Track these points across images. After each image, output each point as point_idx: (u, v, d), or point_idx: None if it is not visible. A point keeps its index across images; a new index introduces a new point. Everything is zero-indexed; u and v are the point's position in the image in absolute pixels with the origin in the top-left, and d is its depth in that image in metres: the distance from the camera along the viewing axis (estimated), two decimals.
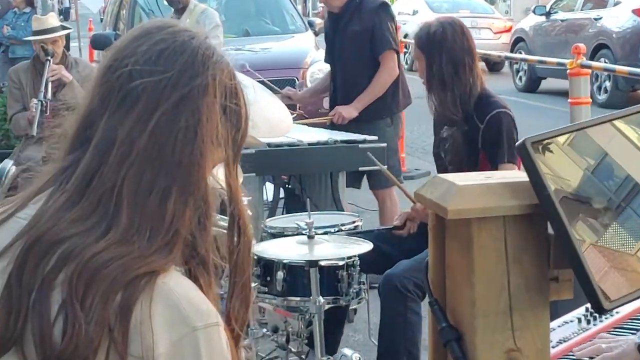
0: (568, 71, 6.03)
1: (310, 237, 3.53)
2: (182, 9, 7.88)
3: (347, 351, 4.90)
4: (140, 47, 1.56)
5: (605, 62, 14.57)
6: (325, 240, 3.59)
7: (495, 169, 4.01)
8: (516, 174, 1.78)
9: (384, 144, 5.46)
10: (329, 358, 3.69)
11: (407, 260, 3.93)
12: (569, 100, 6.12)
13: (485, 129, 4.04)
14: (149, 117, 1.52)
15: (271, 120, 4.58)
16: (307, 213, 4.81)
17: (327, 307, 3.79)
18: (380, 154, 5.42)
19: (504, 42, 20.53)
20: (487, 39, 20.35)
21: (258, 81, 6.24)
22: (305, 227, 3.55)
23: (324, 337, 3.82)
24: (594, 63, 6.29)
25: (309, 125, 5.98)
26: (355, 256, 3.68)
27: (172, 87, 1.53)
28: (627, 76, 14.07)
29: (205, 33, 1.64)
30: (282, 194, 5.95)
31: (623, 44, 14.68)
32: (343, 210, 5.45)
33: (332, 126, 6.00)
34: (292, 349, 4.03)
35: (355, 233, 3.99)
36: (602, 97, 14.07)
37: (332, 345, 4.35)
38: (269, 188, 5.99)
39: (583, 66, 5.83)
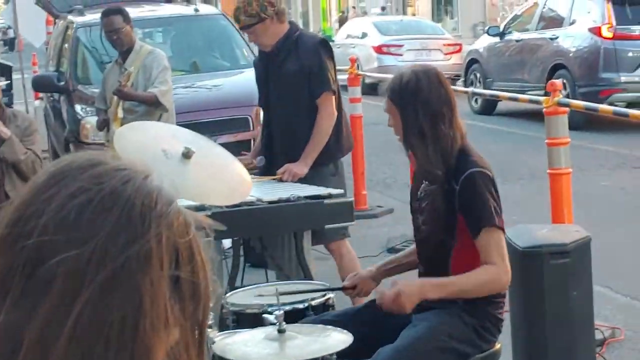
0: (544, 110, 5.62)
1: (280, 331, 3.08)
2: (128, 51, 7.40)
3: None
4: (50, 203, 1.09)
5: (564, 82, 14.32)
6: (297, 333, 3.13)
7: (475, 235, 3.59)
8: None
9: (351, 199, 5.02)
10: None
11: (385, 350, 3.50)
12: (546, 141, 5.72)
13: (461, 189, 3.62)
14: (67, 310, 1.05)
15: (230, 184, 4.15)
16: (270, 284, 4.42)
17: None
18: (348, 209, 5.01)
19: (454, 63, 20.65)
20: (438, 60, 20.33)
21: None
22: (275, 320, 3.09)
23: None
24: (573, 101, 5.89)
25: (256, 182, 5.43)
26: (333, 354, 3.23)
27: (98, 263, 1.07)
28: (586, 94, 13.84)
29: (146, 171, 1.17)
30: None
31: (581, 64, 14.44)
32: (310, 274, 5.00)
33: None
34: None
35: (330, 321, 3.52)
36: None
37: None
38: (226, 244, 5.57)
39: (561, 104, 5.43)
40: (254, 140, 9.14)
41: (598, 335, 5.35)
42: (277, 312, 3.11)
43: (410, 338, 3.57)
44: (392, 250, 7.96)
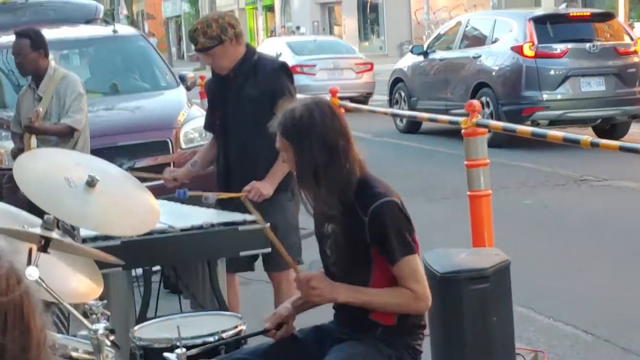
0: (463, 131, 5.55)
1: None
2: (41, 75, 7.18)
3: None
4: None
5: (487, 100, 14.38)
6: None
7: (392, 264, 3.49)
8: None
9: (267, 224, 4.87)
10: None
11: None
12: (465, 162, 5.64)
13: (370, 223, 3.49)
14: None
15: (136, 214, 3.99)
16: (180, 316, 4.27)
17: None
18: (263, 236, 4.86)
19: (366, 81, 21.67)
20: (350, 79, 21.21)
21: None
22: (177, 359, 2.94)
23: None
24: (491, 122, 5.84)
25: (219, 201, 5.22)
26: None
27: None
28: (510, 112, 13.89)
29: None
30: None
31: (504, 82, 14.51)
32: (224, 304, 4.85)
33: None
34: None
35: (239, 358, 3.37)
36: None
37: None
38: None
39: (479, 125, 5.36)
40: (173, 164, 8.98)
41: None
42: (178, 351, 2.95)
43: None
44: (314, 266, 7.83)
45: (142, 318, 4.68)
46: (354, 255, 3.54)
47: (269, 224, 4.88)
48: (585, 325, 6.29)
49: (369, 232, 3.49)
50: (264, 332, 3.82)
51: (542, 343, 5.97)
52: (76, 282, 3.48)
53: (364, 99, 21.02)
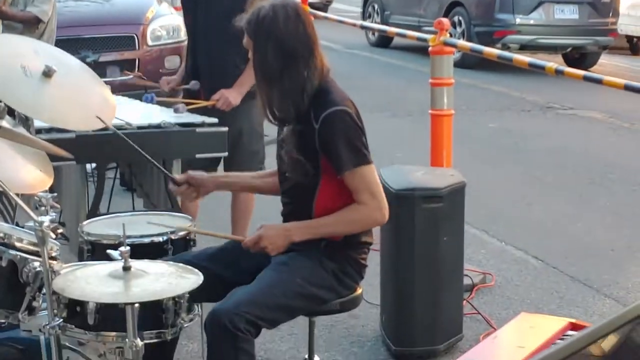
0: (430, 49, 5.49)
1: (126, 268, 2.90)
2: None
3: None
4: None
5: (459, 20, 14.28)
6: (144, 271, 2.95)
7: (342, 175, 3.44)
8: None
9: (225, 128, 4.83)
10: None
11: (239, 291, 3.34)
12: (430, 80, 5.60)
13: (320, 130, 3.44)
14: None
15: (91, 107, 3.92)
16: (128, 214, 4.23)
17: (150, 341, 3.17)
18: (221, 139, 4.83)
19: None
20: None
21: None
22: (120, 257, 2.91)
23: None
24: (459, 42, 5.77)
25: (192, 109, 5.14)
26: (182, 295, 3.07)
27: None
28: (481, 34, 13.82)
29: None
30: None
31: (478, 3, 14.41)
32: (177, 205, 4.82)
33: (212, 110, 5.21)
34: None
35: (187, 261, 3.34)
36: (454, 56, 13.73)
37: None
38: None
39: (447, 44, 5.31)
40: (139, 60, 8.88)
41: (468, 281, 5.32)
42: (122, 249, 2.92)
43: (266, 282, 3.41)
44: None
45: (93, 213, 4.64)
46: (303, 162, 3.48)
47: (226, 129, 4.86)
48: (536, 251, 6.34)
49: (318, 140, 3.43)
50: (170, 179, 3.83)
51: (491, 266, 6.02)
52: (25, 173, 3.42)
53: (323, 6, 20.69)
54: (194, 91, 5.33)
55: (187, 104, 5.15)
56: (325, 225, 3.50)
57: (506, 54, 5.34)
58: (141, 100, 5.58)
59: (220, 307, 3.24)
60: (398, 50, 16.33)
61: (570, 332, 2.95)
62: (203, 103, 5.19)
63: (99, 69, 8.52)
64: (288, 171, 3.55)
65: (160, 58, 8.90)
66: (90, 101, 3.91)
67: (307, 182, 3.51)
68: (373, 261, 3.75)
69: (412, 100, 11.71)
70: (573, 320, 3.06)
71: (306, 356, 3.80)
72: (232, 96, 5.19)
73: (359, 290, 3.66)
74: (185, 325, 3.32)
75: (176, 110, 4.97)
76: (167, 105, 5.30)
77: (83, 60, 8.41)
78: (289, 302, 3.40)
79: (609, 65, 15.44)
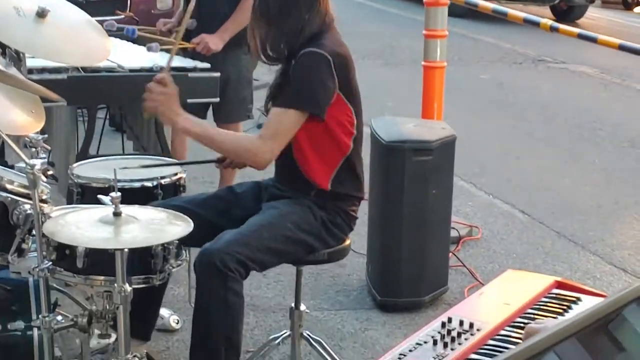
0: (425, 0, 5.47)
1: (116, 214, 2.90)
2: None
3: (164, 312, 4.36)
4: None
5: None
6: (135, 217, 2.95)
7: (277, 105, 3.43)
8: None
9: (217, 74, 4.81)
10: (135, 356, 3.08)
11: (229, 232, 3.33)
12: (424, 32, 5.58)
13: (293, 67, 3.42)
14: None
15: (86, 46, 3.89)
16: (120, 157, 4.23)
17: (138, 286, 3.19)
18: (212, 84, 4.81)
19: None
20: None
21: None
22: (111, 203, 2.91)
23: (136, 321, 3.22)
24: None
25: (168, 51, 5.11)
26: (171, 241, 3.09)
27: None
28: None
29: None
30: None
31: None
32: (167, 149, 4.82)
33: (192, 53, 5.21)
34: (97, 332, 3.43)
35: (177, 207, 3.34)
36: None
37: (145, 330, 3.77)
38: None
39: None
40: (130, 0, 8.80)
41: (454, 234, 5.34)
42: (113, 194, 2.92)
43: (256, 224, 3.42)
44: (261, 126, 7.81)
45: (83, 154, 4.64)
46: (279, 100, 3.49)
47: (218, 74, 4.84)
48: (523, 205, 6.37)
49: (291, 76, 3.42)
50: (219, 160, 3.81)
51: (478, 219, 6.05)
52: (16, 114, 3.41)
53: None
54: (190, 30, 5.32)
55: (164, 43, 5.11)
56: (214, 134, 3.53)
57: (501, 8, 5.32)
58: (123, 33, 5.54)
59: (210, 247, 3.25)
60: None
61: (555, 290, 2.98)
62: (183, 44, 5.17)
63: (91, 8, 8.49)
64: (267, 104, 3.57)
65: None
66: (85, 40, 3.89)
67: None
68: (361, 210, 3.75)
69: (405, 49, 11.68)
70: (559, 279, 3.08)
71: (292, 304, 3.83)
72: (212, 42, 5.19)
73: (347, 242, 3.68)
74: (173, 270, 3.35)
75: (149, 49, 4.93)
76: (149, 40, 5.27)
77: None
78: (278, 246, 3.41)
79: (601, 20, 15.39)
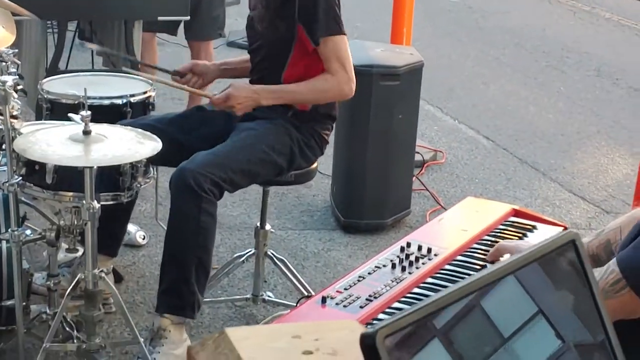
0: None
1: (86, 132, 2.94)
2: None
3: (131, 227, 4.43)
4: None
5: None
6: (104, 136, 2.99)
7: (316, 43, 3.48)
8: None
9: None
10: (101, 270, 3.15)
11: (204, 153, 3.38)
12: None
13: None
14: None
15: None
16: (93, 73, 4.25)
17: (106, 203, 3.25)
18: (183, 2, 4.81)
19: None
20: None
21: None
22: (81, 121, 2.95)
23: (103, 237, 3.29)
24: None
25: None
26: (140, 160, 3.13)
27: None
28: None
29: None
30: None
31: None
32: (137, 66, 4.83)
33: None
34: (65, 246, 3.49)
35: (148, 125, 3.38)
36: None
37: (112, 246, 3.83)
38: None
39: None
40: None
41: (419, 158, 5.43)
42: (83, 113, 2.96)
43: (231, 145, 3.46)
44: (232, 44, 7.82)
45: (53, 69, 4.64)
46: (281, 29, 3.51)
47: None
48: (488, 131, 6.46)
49: (297, 7, 3.45)
50: (172, 73, 3.82)
51: (443, 143, 6.13)
52: None
53: None
54: None
55: None
56: (293, 92, 3.54)
57: None
58: None
59: (185, 167, 3.29)
60: None
61: (512, 218, 3.07)
62: None
63: None
64: (262, 36, 3.58)
65: None
66: None
67: (278, 52, 3.54)
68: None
69: None
70: (516, 207, 3.17)
71: (258, 223, 3.90)
72: None
73: (315, 165, 3.74)
74: (141, 187, 3.40)
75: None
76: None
77: None
78: (252, 167, 3.47)
79: None
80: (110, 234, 3.68)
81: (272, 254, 3.93)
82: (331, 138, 4.75)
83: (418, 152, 5.33)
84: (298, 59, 3.54)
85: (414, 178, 5.11)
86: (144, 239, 4.43)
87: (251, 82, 3.71)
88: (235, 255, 4.03)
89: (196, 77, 3.84)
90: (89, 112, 2.97)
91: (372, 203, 4.74)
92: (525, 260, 1.11)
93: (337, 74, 3.50)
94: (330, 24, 3.48)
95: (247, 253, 3.95)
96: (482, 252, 2.73)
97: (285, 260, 3.96)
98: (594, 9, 10.82)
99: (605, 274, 2.03)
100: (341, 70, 3.50)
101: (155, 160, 3.33)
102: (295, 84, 3.54)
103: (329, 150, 4.86)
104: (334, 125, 3.82)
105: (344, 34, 3.53)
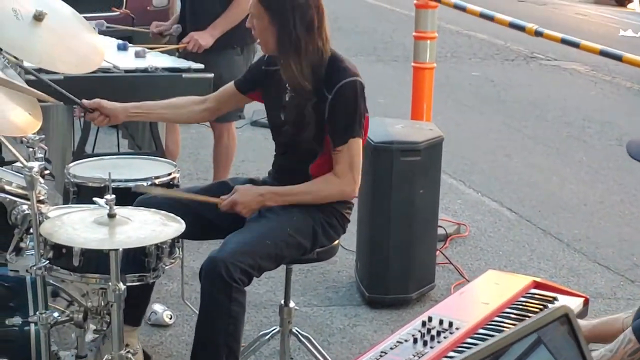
0: (415, 2, 5.58)
1: (111, 215, 3.01)
2: None
3: (157, 307, 4.48)
4: None
5: None
6: (129, 219, 3.06)
7: (338, 144, 3.54)
8: None
9: (211, 75, 4.92)
10: (128, 351, 3.20)
11: (234, 239, 3.44)
12: (414, 33, 5.69)
13: (333, 100, 3.52)
14: None
15: (81, 52, 4.01)
16: (115, 157, 4.34)
17: (132, 284, 3.30)
18: (206, 85, 4.91)
19: None
20: None
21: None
22: (106, 204, 3.02)
23: (127, 307, 3.33)
24: None
25: (161, 51, 5.27)
26: (164, 242, 3.19)
27: None
28: None
29: None
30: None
31: None
32: (162, 147, 4.93)
33: (185, 54, 5.34)
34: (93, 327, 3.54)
35: (172, 206, 3.45)
36: None
37: (136, 316, 3.88)
38: None
39: None
40: (126, 0, 8.90)
41: (442, 232, 5.46)
42: (107, 196, 3.03)
43: (258, 230, 3.51)
44: (255, 123, 7.93)
45: (79, 153, 4.74)
46: (314, 128, 3.56)
47: (212, 75, 4.94)
48: (511, 203, 6.49)
49: (329, 108, 3.52)
50: (81, 104, 3.92)
51: (466, 216, 6.17)
52: (14, 116, 3.51)
53: None
54: (176, 36, 5.47)
55: (152, 48, 5.24)
56: (297, 194, 3.61)
57: (488, 12, 5.42)
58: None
59: (216, 256, 3.34)
60: None
61: (533, 290, 3.10)
62: (171, 46, 5.32)
63: (87, 4, 8.58)
64: (295, 139, 3.63)
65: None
66: (80, 46, 4.00)
67: (311, 149, 3.61)
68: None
69: (398, 46, 11.79)
70: (537, 279, 3.20)
71: (282, 301, 3.94)
72: (202, 38, 5.32)
73: (336, 242, 3.79)
74: (167, 267, 3.45)
75: (137, 55, 5.05)
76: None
77: None
78: (278, 252, 3.53)
79: (595, 16, 15.51)
80: (134, 304, 3.72)
81: (297, 331, 3.95)
82: (354, 215, 4.83)
83: (441, 226, 5.36)
84: (328, 154, 3.61)
85: (437, 252, 5.14)
86: (170, 318, 4.47)
87: (275, 169, 3.79)
88: (261, 333, 4.05)
89: (103, 116, 3.93)
90: (113, 196, 3.04)
91: (396, 278, 4.77)
92: (518, 335, 1.16)
93: (342, 177, 3.57)
94: (349, 129, 3.55)
95: (272, 331, 3.98)
96: (504, 325, 2.76)
97: (311, 337, 3.98)
98: (614, 78, 10.89)
99: (622, 343, 2.06)
100: (348, 174, 3.57)
101: (180, 236, 3.37)
102: (299, 186, 3.61)
103: (353, 226, 4.92)
104: (356, 200, 3.87)
105: (360, 137, 3.59)
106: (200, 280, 3.39)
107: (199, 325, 3.43)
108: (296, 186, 3.60)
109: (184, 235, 3.48)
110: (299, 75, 3.53)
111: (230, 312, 3.36)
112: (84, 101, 3.95)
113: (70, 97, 4.00)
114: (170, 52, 5.34)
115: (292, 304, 3.93)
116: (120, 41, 5.39)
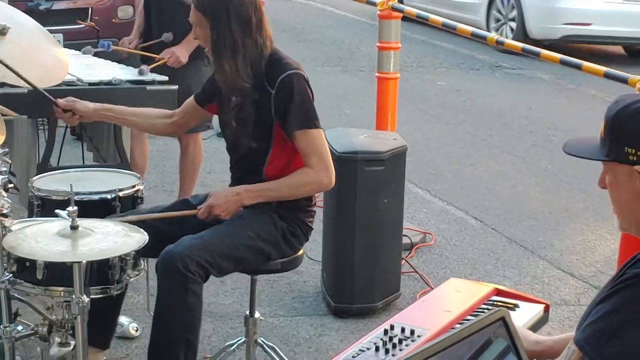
0: (377, 13, 5.62)
1: (73, 227, 3.02)
2: None
3: (123, 320, 4.48)
4: None
5: None
6: (91, 230, 3.07)
7: (292, 137, 3.59)
8: None
9: (175, 87, 4.93)
10: None
11: (190, 237, 3.47)
12: (377, 44, 5.73)
13: (276, 93, 3.57)
14: None
15: (44, 66, 4.02)
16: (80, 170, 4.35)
17: (96, 296, 3.31)
18: (170, 97, 4.92)
19: None
20: None
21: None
22: (68, 216, 3.03)
23: (95, 329, 3.34)
24: (406, 7, 5.90)
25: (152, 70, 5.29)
26: (127, 254, 3.20)
27: None
28: None
29: None
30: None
31: None
32: (126, 159, 4.93)
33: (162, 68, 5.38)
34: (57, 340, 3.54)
35: (133, 220, 3.46)
36: None
37: (103, 338, 3.89)
38: None
39: (394, 9, 5.44)
40: (91, 9, 8.89)
41: (407, 241, 5.49)
42: (69, 209, 3.04)
43: (219, 231, 3.55)
44: (221, 134, 7.92)
45: (44, 166, 4.74)
46: (258, 127, 3.61)
47: (176, 87, 4.96)
48: (476, 212, 6.53)
49: (274, 103, 3.56)
50: (55, 103, 3.98)
51: (432, 225, 6.21)
52: None
53: None
54: (167, 43, 5.53)
55: (148, 63, 5.31)
56: (274, 189, 3.64)
57: (450, 22, 5.47)
58: (97, 46, 5.68)
59: (172, 250, 3.38)
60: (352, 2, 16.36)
61: (494, 297, 3.14)
62: (159, 62, 5.38)
63: (52, 17, 8.57)
64: (240, 136, 3.66)
65: (113, 8, 8.91)
66: (43, 60, 4.01)
67: (258, 148, 3.63)
68: (317, 218, 3.90)
69: (364, 56, 11.83)
70: (499, 287, 3.23)
71: (247, 312, 3.96)
72: (181, 54, 5.43)
73: (301, 252, 3.81)
74: (131, 280, 3.46)
75: (141, 72, 5.07)
76: (122, 55, 5.49)
77: (36, 7, 8.48)
78: (237, 253, 3.55)
79: None
80: (101, 326, 3.74)
81: (263, 341, 3.97)
82: (319, 224, 4.86)
83: (406, 235, 5.40)
84: (278, 154, 3.64)
85: (403, 261, 5.17)
86: (136, 330, 4.47)
87: (233, 180, 3.82)
88: (227, 343, 4.07)
89: (75, 116, 4.01)
90: (75, 208, 3.05)
91: (362, 287, 4.80)
92: (453, 339, 1.19)
93: (315, 167, 3.61)
94: (304, 119, 3.59)
95: (237, 341, 4.00)
96: None
97: (276, 348, 4.00)
98: (579, 86, 10.97)
99: (566, 357, 2.10)
100: (319, 163, 3.61)
101: (144, 253, 3.40)
102: (275, 181, 3.64)
103: (319, 235, 4.95)
104: (322, 210, 3.91)
105: (319, 128, 3.63)
106: (157, 273, 3.41)
107: (156, 319, 3.45)
108: (273, 181, 3.63)
109: (149, 253, 3.50)
110: (233, 75, 3.58)
111: (187, 303, 3.38)
112: (59, 100, 3.98)
113: (47, 95, 4.01)
114: (135, 64, 5.36)
115: (257, 315, 3.95)
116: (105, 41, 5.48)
